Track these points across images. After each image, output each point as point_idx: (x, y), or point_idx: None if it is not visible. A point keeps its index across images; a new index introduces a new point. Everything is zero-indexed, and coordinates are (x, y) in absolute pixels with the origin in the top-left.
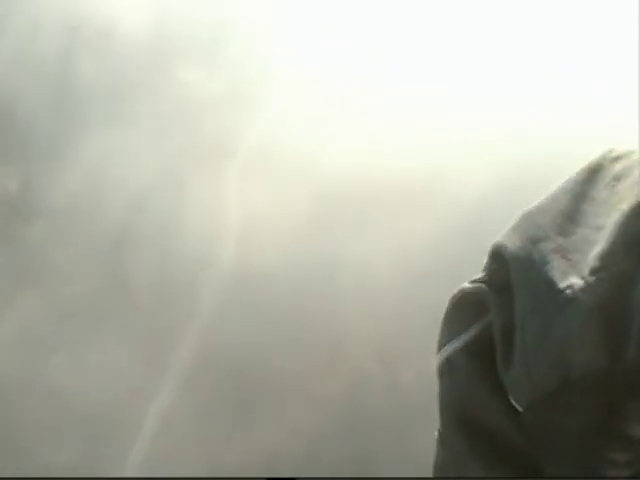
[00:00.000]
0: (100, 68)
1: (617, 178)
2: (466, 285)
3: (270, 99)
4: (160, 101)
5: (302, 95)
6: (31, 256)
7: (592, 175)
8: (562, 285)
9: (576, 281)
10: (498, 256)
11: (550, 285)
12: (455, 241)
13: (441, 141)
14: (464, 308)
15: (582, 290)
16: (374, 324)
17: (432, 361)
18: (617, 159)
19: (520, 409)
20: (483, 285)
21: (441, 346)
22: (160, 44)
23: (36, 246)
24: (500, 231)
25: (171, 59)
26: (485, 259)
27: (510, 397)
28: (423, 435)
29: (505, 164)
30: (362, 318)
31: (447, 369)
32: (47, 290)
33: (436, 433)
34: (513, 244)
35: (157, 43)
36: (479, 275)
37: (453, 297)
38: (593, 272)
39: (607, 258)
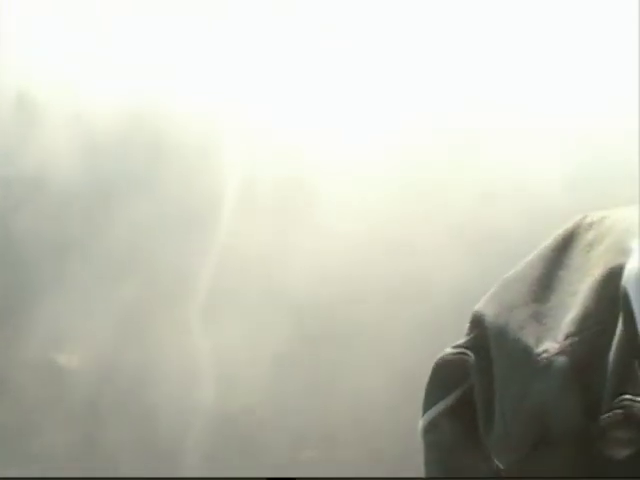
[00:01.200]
0: (38, 225)
1: (590, 245)
2: (448, 350)
3: (224, 222)
4: (113, 248)
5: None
6: None
7: (567, 242)
8: (538, 350)
9: (551, 345)
10: (478, 323)
11: (526, 350)
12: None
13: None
14: (446, 373)
15: (557, 354)
16: (371, 446)
17: None
18: (590, 226)
19: (502, 467)
20: (464, 350)
21: (425, 409)
22: (94, 188)
23: None
24: None
25: (110, 202)
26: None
27: (493, 456)
28: None
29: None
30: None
31: (432, 431)
32: None
33: None
34: (491, 311)
35: (90, 188)
36: (460, 341)
37: (436, 363)
38: (568, 336)
39: (581, 322)
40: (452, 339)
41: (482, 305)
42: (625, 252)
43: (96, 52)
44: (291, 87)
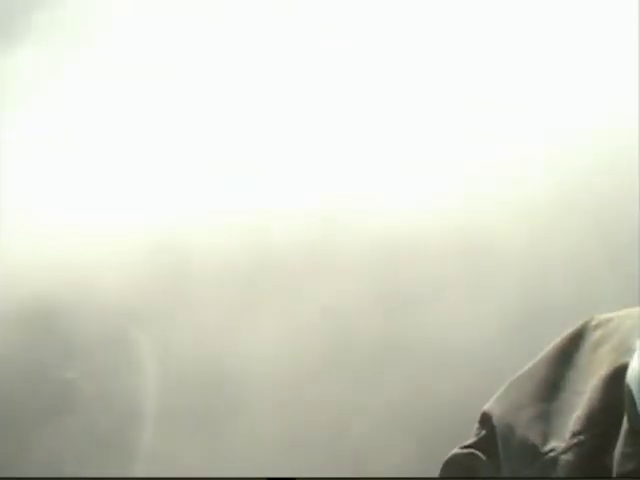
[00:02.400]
0: None
1: (596, 345)
2: (457, 450)
3: None
4: None
5: None
6: None
7: (574, 342)
8: (544, 449)
9: (557, 444)
10: (486, 422)
11: (533, 448)
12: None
13: None
14: (456, 472)
15: (563, 452)
16: None
17: None
18: (597, 327)
19: None
20: (473, 450)
21: None
22: None
23: None
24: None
25: None
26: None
27: None
28: None
29: None
30: None
31: None
32: None
33: None
34: (499, 411)
35: None
36: (470, 440)
37: (445, 461)
38: (574, 435)
39: (587, 421)
40: None
41: (490, 405)
42: (629, 352)
43: None
44: None
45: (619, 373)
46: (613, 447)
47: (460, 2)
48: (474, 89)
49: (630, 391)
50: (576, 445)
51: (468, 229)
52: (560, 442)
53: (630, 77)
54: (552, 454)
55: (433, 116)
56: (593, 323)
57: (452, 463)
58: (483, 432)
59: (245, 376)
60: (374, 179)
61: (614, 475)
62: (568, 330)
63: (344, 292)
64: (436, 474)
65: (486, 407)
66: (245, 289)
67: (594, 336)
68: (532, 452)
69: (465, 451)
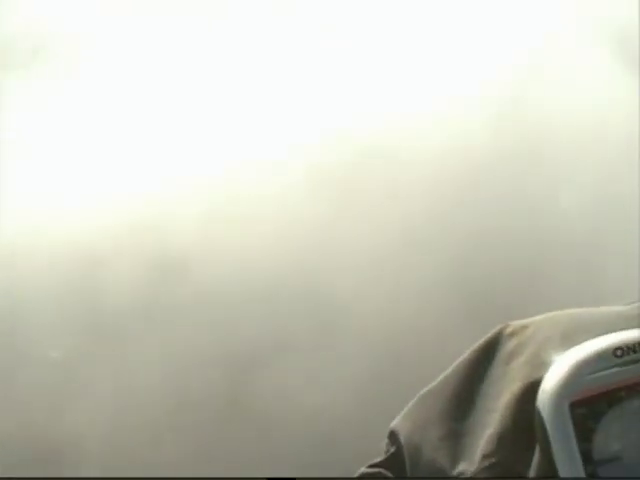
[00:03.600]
0: None
1: (511, 356)
2: (365, 470)
3: None
4: None
5: None
6: None
7: (488, 352)
8: (453, 472)
9: (466, 468)
10: (394, 440)
11: (441, 471)
12: None
13: None
14: None
15: (473, 476)
16: None
17: None
18: (512, 335)
19: None
20: (381, 470)
21: None
22: None
23: None
24: None
25: None
26: None
27: None
28: None
29: None
30: None
31: None
32: None
33: None
34: (406, 429)
35: None
36: (377, 459)
37: None
38: (485, 457)
39: (498, 442)
40: None
41: (398, 422)
42: (543, 365)
43: None
44: None
45: (532, 390)
46: (526, 470)
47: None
48: None
49: (541, 417)
50: (487, 468)
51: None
52: (469, 465)
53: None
54: (461, 478)
55: None
56: (508, 331)
57: None
58: (391, 450)
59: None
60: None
61: None
62: (482, 338)
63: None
64: None
65: (393, 424)
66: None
67: (508, 346)
68: (440, 475)
69: (372, 470)
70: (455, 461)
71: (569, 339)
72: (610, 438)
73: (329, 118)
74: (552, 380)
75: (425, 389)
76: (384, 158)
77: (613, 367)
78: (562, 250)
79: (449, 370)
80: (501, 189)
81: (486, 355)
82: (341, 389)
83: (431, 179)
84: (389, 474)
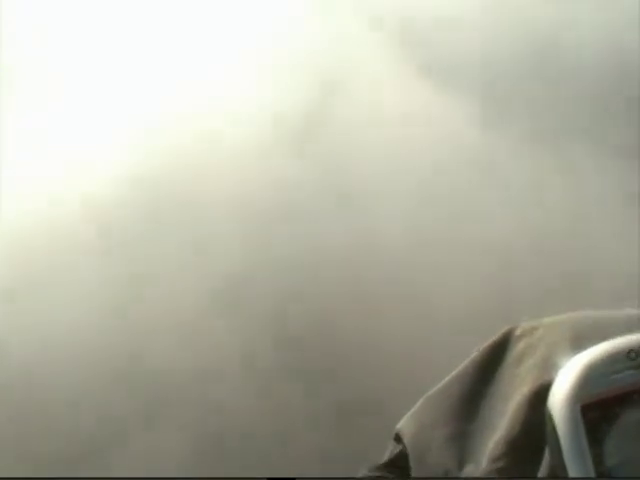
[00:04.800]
0: None
1: (520, 358)
2: (368, 473)
3: None
4: None
5: None
6: None
7: (496, 355)
8: (460, 474)
9: (474, 470)
10: (399, 441)
11: (447, 474)
12: None
13: None
14: None
15: (481, 479)
16: None
17: None
18: (521, 337)
19: None
20: (384, 473)
21: None
22: None
23: None
24: None
25: None
26: None
27: None
28: None
29: None
30: None
31: None
32: None
33: None
34: (412, 429)
35: None
36: (382, 460)
37: None
38: (493, 460)
39: (507, 446)
40: None
41: (403, 423)
42: (554, 368)
43: None
44: None
45: (542, 392)
46: (535, 474)
47: None
48: None
49: (552, 420)
50: (495, 471)
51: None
52: (476, 468)
53: None
54: (466, 478)
55: None
56: (517, 333)
57: None
58: (396, 451)
59: None
60: None
61: None
62: (490, 339)
63: None
64: None
65: (399, 425)
66: None
67: (518, 348)
68: (445, 475)
69: (376, 474)
70: (461, 463)
71: (580, 341)
72: (623, 442)
73: None
74: (563, 383)
75: (432, 390)
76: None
77: (626, 370)
78: (387, 288)
79: (457, 371)
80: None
81: (495, 356)
82: None
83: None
84: (390, 476)
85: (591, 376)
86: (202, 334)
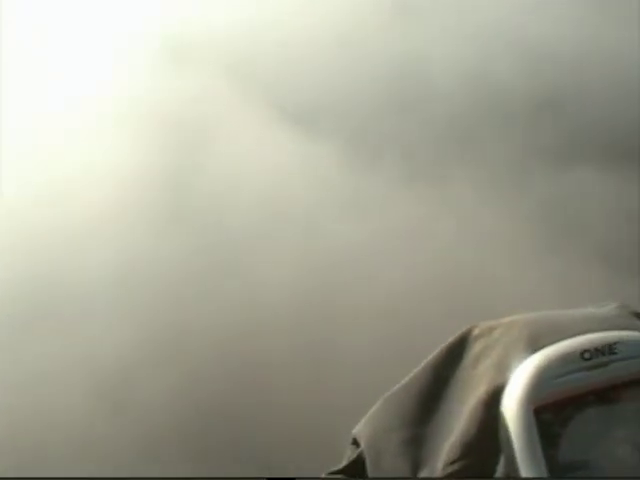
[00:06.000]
0: None
1: (477, 359)
2: (325, 476)
3: None
4: None
5: None
6: None
7: (454, 355)
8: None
9: (429, 473)
10: (357, 445)
11: (403, 476)
12: None
13: None
14: None
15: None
16: None
17: None
18: (479, 337)
19: None
20: (341, 476)
21: None
22: None
23: None
24: None
25: None
26: None
27: None
28: None
29: None
30: None
31: None
32: None
33: None
34: (367, 433)
35: None
36: (340, 465)
37: None
38: (448, 464)
39: (462, 449)
40: None
41: (360, 427)
42: (509, 369)
43: None
44: None
45: (497, 394)
46: (492, 475)
47: None
48: None
49: (505, 422)
50: (451, 475)
51: None
52: (432, 471)
53: None
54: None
55: None
56: (475, 333)
57: None
58: (352, 455)
59: None
60: None
61: None
62: (449, 340)
63: None
64: None
65: (355, 429)
66: None
67: (475, 348)
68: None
69: (332, 477)
70: (417, 467)
71: (536, 342)
72: (577, 443)
73: None
74: (516, 385)
75: (389, 392)
76: None
77: (580, 371)
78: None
79: (415, 372)
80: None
81: (452, 357)
82: None
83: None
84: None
85: (544, 378)
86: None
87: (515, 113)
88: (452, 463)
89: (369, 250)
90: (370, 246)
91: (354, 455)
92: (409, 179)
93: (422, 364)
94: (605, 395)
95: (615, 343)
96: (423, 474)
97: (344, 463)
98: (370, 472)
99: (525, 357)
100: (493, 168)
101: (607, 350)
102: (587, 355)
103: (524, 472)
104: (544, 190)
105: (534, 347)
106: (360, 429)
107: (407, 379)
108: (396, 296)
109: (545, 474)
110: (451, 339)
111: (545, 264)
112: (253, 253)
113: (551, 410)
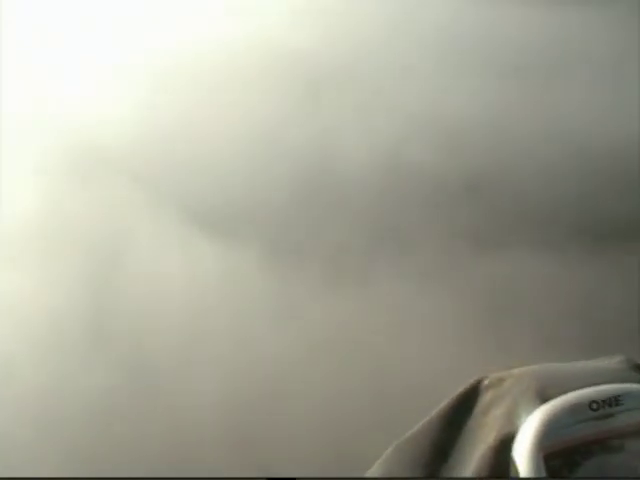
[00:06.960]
0: None
1: (487, 408)
2: None
3: None
4: None
5: None
6: None
7: (465, 403)
8: None
9: None
10: None
11: None
12: None
13: None
14: None
15: None
16: None
17: None
18: (489, 387)
19: None
20: None
21: None
22: None
23: None
24: None
25: None
26: None
27: None
28: None
29: None
30: None
31: None
32: None
33: None
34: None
35: None
36: None
37: None
38: None
39: None
40: None
41: (373, 471)
42: (519, 418)
43: None
44: None
45: (507, 441)
46: None
47: None
48: None
49: (516, 468)
50: None
51: None
52: None
53: None
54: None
55: None
56: (485, 383)
57: None
58: None
59: None
60: None
61: None
62: (459, 389)
63: None
64: None
65: (369, 472)
66: None
67: (485, 398)
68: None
69: None
70: None
71: (545, 392)
72: None
73: None
74: (527, 432)
75: (402, 438)
76: None
77: (588, 420)
78: None
79: (426, 419)
80: None
81: (463, 406)
82: None
83: None
84: None
85: (554, 426)
86: None
87: (435, 194)
88: None
89: (298, 359)
90: (298, 355)
91: None
92: (334, 280)
93: (433, 413)
94: (610, 444)
95: (620, 395)
96: None
97: None
98: None
99: (534, 407)
100: (419, 256)
101: (613, 402)
102: (595, 406)
103: None
104: (475, 272)
105: (543, 397)
106: (373, 472)
107: (418, 426)
108: (331, 407)
109: None
110: (461, 389)
111: (484, 345)
112: (177, 373)
113: (560, 456)
